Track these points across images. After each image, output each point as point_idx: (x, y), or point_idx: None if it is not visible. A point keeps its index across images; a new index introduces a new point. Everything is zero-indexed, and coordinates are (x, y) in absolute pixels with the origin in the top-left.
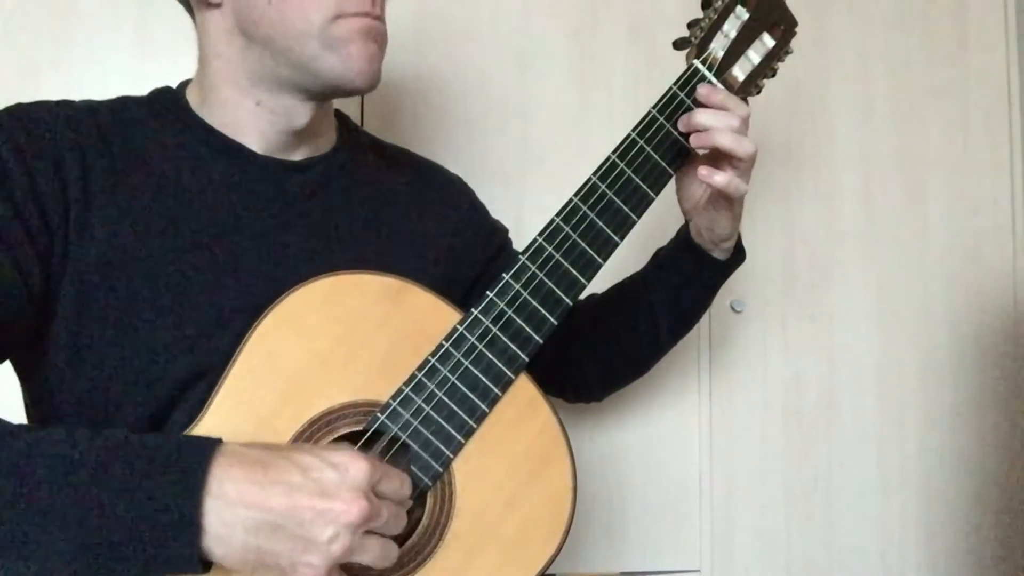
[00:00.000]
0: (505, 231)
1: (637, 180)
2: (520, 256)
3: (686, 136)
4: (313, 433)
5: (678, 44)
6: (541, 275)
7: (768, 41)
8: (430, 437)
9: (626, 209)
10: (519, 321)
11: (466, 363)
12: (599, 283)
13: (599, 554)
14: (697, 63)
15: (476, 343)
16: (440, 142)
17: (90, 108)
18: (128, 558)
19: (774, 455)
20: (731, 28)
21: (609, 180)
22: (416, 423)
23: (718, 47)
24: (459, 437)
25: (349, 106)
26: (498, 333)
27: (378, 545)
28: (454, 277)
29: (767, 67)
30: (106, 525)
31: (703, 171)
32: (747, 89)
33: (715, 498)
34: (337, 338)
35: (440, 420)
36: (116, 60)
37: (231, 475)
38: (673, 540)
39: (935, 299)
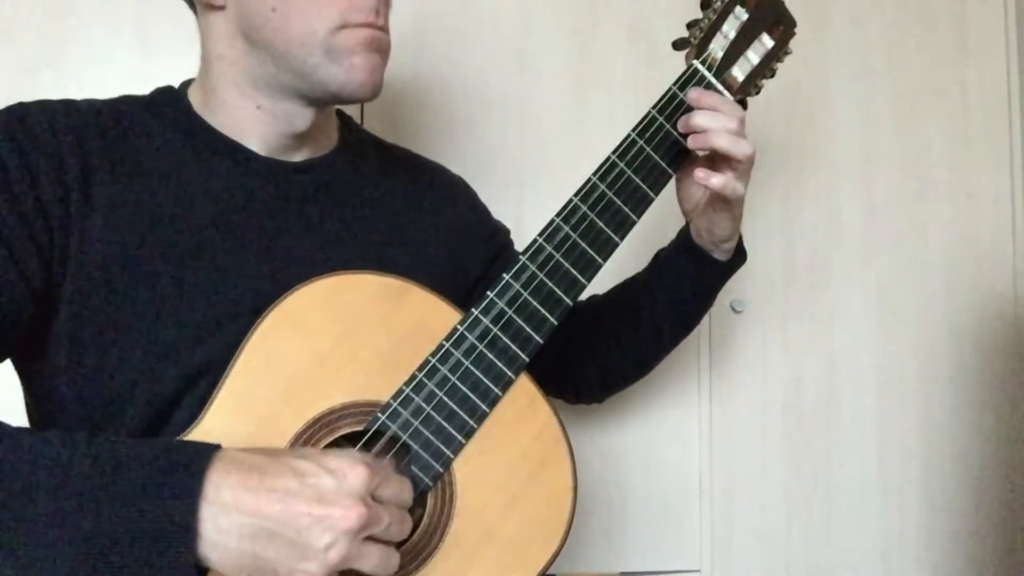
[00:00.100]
0: (506, 232)
1: (637, 180)
2: (520, 256)
3: (686, 137)
4: (314, 433)
5: (677, 44)
6: (541, 275)
7: (767, 41)
8: (430, 437)
9: (626, 209)
10: (519, 321)
11: (466, 363)
12: (599, 283)
13: (599, 554)
14: (696, 63)
15: (476, 343)
16: (440, 142)
17: (91, 107)
18: (123, 563)
19: (774, 455)
20: (730, 28)
21: (609, 180)
22: (416, 423)
23: (717, 47)
24: (460, 437)
25: (349, 106)
26: (498, 333)
27: (378, 552)
28: (455, 278)
29: (766, 67)
30: (102, 530)
31: (700, 173)
32: (746, 89)
33: (715, 498)
34: (338, 338)
35: (440, 420)
36: (116, 60)
37: (228, 481)
38: (673, 540)
39: (935, 299)
